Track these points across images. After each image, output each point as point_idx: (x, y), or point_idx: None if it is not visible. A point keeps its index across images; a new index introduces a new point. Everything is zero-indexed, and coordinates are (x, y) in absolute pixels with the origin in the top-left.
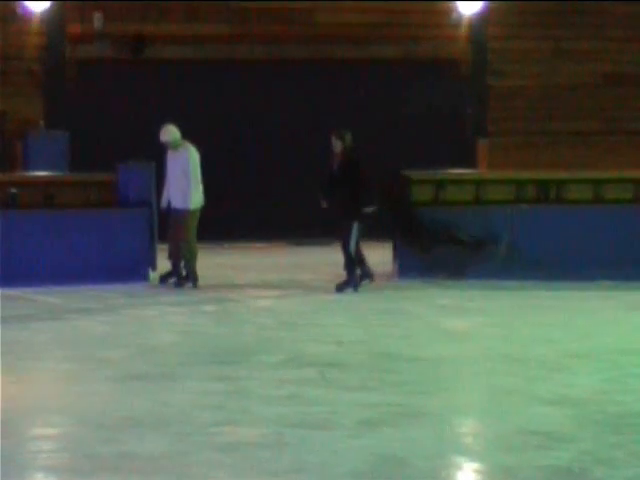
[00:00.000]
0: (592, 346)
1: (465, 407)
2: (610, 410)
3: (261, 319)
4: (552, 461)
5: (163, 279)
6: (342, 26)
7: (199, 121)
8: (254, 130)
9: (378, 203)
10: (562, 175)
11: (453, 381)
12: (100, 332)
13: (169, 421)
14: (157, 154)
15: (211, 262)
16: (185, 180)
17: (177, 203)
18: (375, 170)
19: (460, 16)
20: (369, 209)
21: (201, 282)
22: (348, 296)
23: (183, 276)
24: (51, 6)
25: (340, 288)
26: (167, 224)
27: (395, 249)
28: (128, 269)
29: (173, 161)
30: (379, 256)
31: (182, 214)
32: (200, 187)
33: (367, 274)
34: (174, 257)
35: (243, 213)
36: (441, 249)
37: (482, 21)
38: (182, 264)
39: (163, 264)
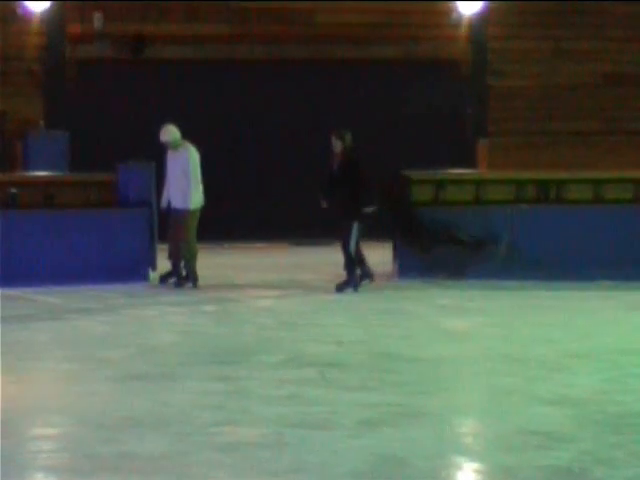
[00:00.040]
0: (592, 346)
1: (465, 407)
2: (610, 410)
3: (261, 319)
4: (552, 461)
5: (163, 279)
6: (342, 26)
7: (199, 121)
8: (254, 130)
9: (378, 203)
10: (562, 175)
11: (453, 381)
12: (100, 332)
13: (169, 421)
14: (157, 154)
15: (211, 262)
16: (185, 180)
17: (177, 203)
18: (375, 170)
19: (460, 16)
20: (369, 209)
21: (201, 282)
22: (348, 296)
23: (183, 276)
24: (51, 6)
25: (340, 288)
26: (167, 224)
27: (395, 249)
28: (128, 269)
29: (173, 161)
30: (379, 256)
31: (182, 214)
32: (200, 187)
33: (367, 274)
34: (174, 257)
35: (243, 213)
36: (441, 249)
37: (482, 21)
38: (182, 264)
39: (163, 264)
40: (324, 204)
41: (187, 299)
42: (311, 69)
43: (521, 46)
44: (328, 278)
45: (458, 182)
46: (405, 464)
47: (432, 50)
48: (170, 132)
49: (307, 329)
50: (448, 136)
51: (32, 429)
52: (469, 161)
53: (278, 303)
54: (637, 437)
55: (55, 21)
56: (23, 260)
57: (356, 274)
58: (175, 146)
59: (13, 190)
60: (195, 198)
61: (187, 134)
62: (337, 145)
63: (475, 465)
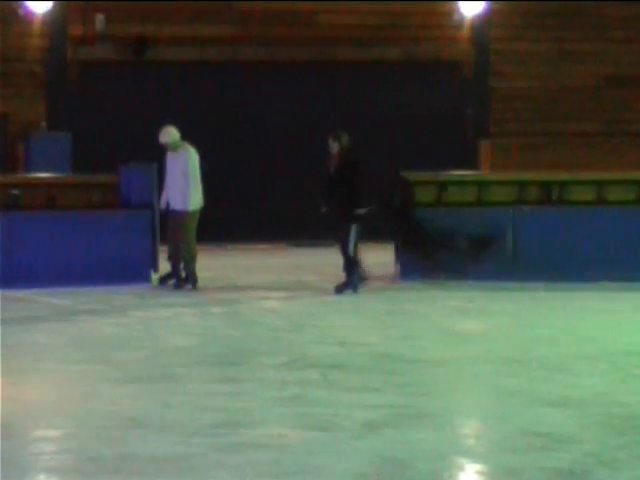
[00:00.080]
0: (595, 347)
1: (467, 408)
2: (613, 412)
3: (263, 320)
4: (555, 463)
5: (163, 280)
6: (344, 28)
7: (201, 123)
8: (256, 131)
9: (373, 204)
10: (564, 176)
11: (455, 382)
12: (106, 334)
13: (171, 423)
14: (159, 156)
15: (212, 263)
16: (184, 181)
17: (176, 204)
18: (377, 172)
19: (462, 17)
20: (361, 211)
21: (203, 283)
22: (350, 297)
23: (182, 278)
24: (53, 7)
25: (339, 290)
26: (166, 225)
27: (397, 250)
28: (130, 271)
29: (172, 162)
30: (381, 258)
31: (181, 215)
32: (199, 188)
33: (360, 276)
34: (173, 259)
35: (244, 214)
36: (443, 252)
37: (484, 22)
38: (181, 266)
39: (163, 266)
40: (324, 209)
41: (189, 301)
42: (313, 70)
43: (523, 48)
44: (329, 279)
45: (460, 183)
46: (407, 466)
47: (434, 51)
48: (169, 133)
49: (309, 330)
50: (450, 137)
51: (34, 431)
52: (471, 162)
53: (280, 304)
54: None
55: (57, 22)
56: (25, 262)
57: (355, 276)
58: (174, 147)
59: (15, 192)
60: (194, 199)
61: (189, 135)
62: (334, 146)
63: (477, 467)
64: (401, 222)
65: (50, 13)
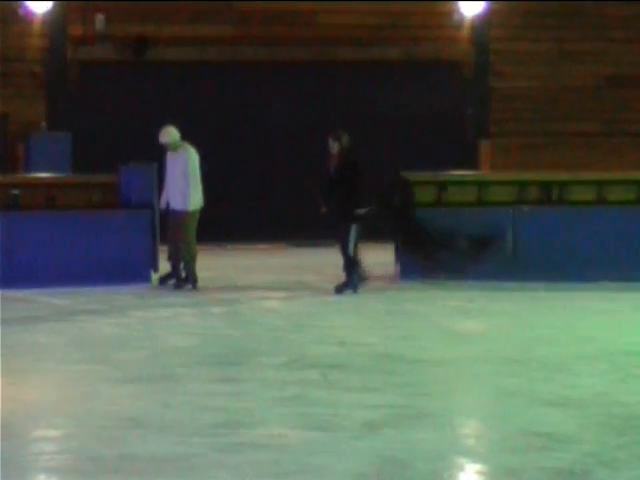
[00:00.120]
0: (595, 347)
1: (467, 408)
2: (613, 412)
3: (264, 320)
4: (555, 463)
5: (163, 280)
6: (344, 28)
7: (201, 123)
8: (256, 131)
9: (374, 204)
10: (564, 176)
11: (455, 382)
12: (106, 334)
13: (171, 423)
14: (159, 156)
15: (212, 263)
16: (184, 181)
17: (176, 204)
18: (376, 172)
19: (462, 17)
20: (361, 211)
21: (204, 283)
22: (350, 297)
23: (182, 278)
24: (53, 7)
25: (339, 290)
26: (166, 225)
27: (397, 250)
28: (130, 271)
29: (172, 162)
30: (381, 258)
31: (181, 215)
32: (199, 188)
33: (360, 276)
34: (173, 259)
35: (244, 214)
36: (443, 253)
37: (484, 22)
38: (181, 266)
39: (163, 266)
40: (324, 209)
41: (189, 301)
42: (313, 70)
43: (523, 48)
44: (329, 279)
45: (460, 183)
46: (407, 466)
47: (434, 51)
48: (169, 133)
49: (309, 330)
50: (450, 137)
51: (34, 431)
52: (471, 162)
53: (280, 304)
54: None
55: (57, 22)
56: (25, 262)
57: (355, 276)
58: (174, 147)
59: (15, 192)
60: (194, 199)
61: (189, 136)
62: (334, 146)
63: (477, 466)
64: (401, 222)
65: (50, 13)
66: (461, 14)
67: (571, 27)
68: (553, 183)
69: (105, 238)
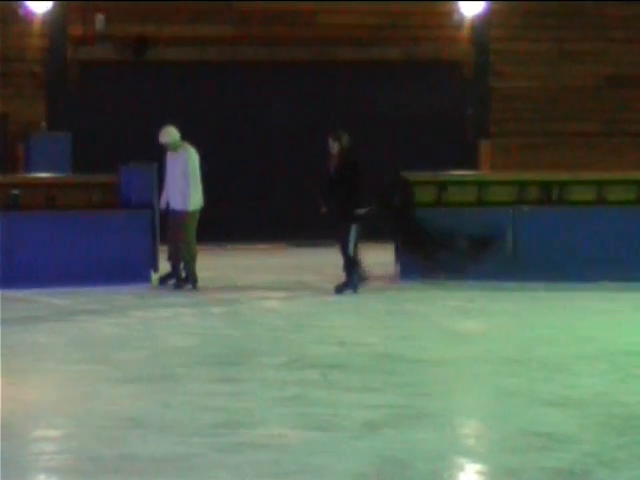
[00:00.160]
0: (595, 347)
1: (467, 408)
2: (613, 412)
3: (264, 320)
4: (555, 463)
5: (163, 280)
6: (344, 28)
7: (201, 123)
8: (256, 131)
9: (374, 204)
10: (564, 176)
11: (455, 382)
12: (106, 334)
13: (171, 423)
14: (159, 156)
15: (212, 263)
16: (184, 181)
17: (176, 204)
18: (376, 172)
19: (462, 17)
20: (361, 211)
21: (204, 283)
22: (350, 297)
23: (182, 278)
24: (53, 7)
25: (339, 290)
26: (166, 225)
27: (397, 250)
28: (130, 271)
29: (172, 162)
30: (381, 258)
31: (181, 215)
32: (199, 188)
33: (360, 276)
34: (173, 259)
35: (244, 214)
36: (443, 253)
37: (484, 22)
38: (181, 266)
39: (163, 266)
40: (324, 209)
41: (189, 301)
42: (313, 71)
43: (523, 48)
44: (329, 279)
45: (460, 183)
46: (407, 466)
47: (434, 51)
48: (169, 133)
49: (309, 330)
50: (450, 137)
51: (34, 431)
52: (471, 162)
53: (280, 304)
54: None
55: (57, 22)
56: (25, 262)
57: (355, 276)
58: (174, 147)
59: (15, 192)
60: (194, 199)
61: (189, 136)
62: (334, 146)
63: (477, 466)
64: (401, 222)
65: (50, 13)
66: (461, 14)
67: (571, 27)
68: (553, 183)
69: (105, 238)
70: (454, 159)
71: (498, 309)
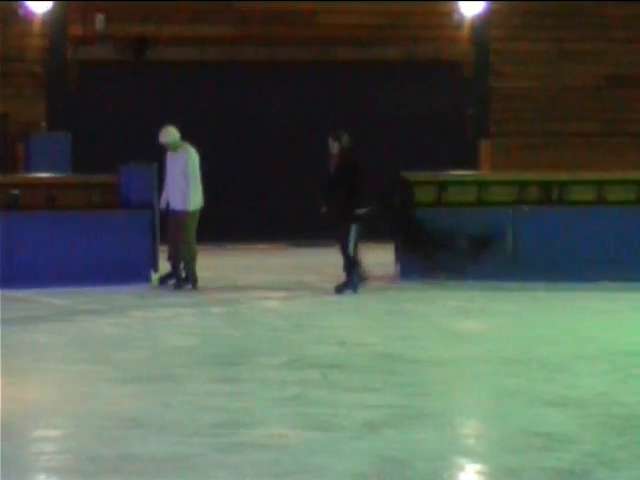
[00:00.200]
0: (595, 347)
1: (467, 408)
2: (613, 412)
3: (264, 320)
4: (555, 463)
5: (163, 280)
6: (344, 28)
7: (201, 123)
8: (256, 131)
9: (374, 204)
10: (564, 176)
11: (455, 382)
12: (106, 334)
13: (171, 423)
14: (159, 156)
15: (213, 263)
16: (184, 181)
17: (176, 204)
18: (376, 172)
19: (462, 17)
20: (361, 211)
21: (204, 283)
22: (350, 297)
23: (182, 278)
24: (53, 7)
25: (339, 290)
26: (166, 225)
27: (397, 250)
28: (130, 271)
29: (172, 162)
30: (381, 258)
31: (181, 215)
32: (199, 188)
33: (360, 276)
34: (173, 259)
35: (244, 214)
36: (443, 253)
37: (484, 22)
38: (181, 266)
39: (163, 266)
40: (324, 209)
41: (189, 301)
42: (313, 71)
43: (523, 48)
44: (329, 279)
45: (460, 183)
46: (407, 466)
47: (434, 51)
48: (169, 133)
49: (309, 330)
50: (450, 137)
51: (34, 431)
52: (471, 162)
53: (280, 304)
54: None
55: (57, 22)
56: (25, 262)
57: (355, 276)
58: (174, 147)
59: (15, 192)
60: (194, 199)
61: (189, 136)
62: (334, 146)
63: (477, 466)
64: (401, 222)
65: (50, 13)
66: (461, 14)
67: (571, 27)
68: (553, 183)
69: (105, 238)
70: (454, 159)
71: (498, 309)
